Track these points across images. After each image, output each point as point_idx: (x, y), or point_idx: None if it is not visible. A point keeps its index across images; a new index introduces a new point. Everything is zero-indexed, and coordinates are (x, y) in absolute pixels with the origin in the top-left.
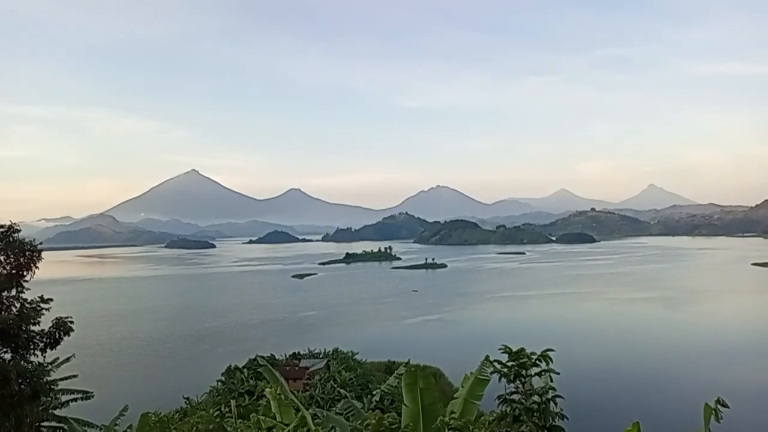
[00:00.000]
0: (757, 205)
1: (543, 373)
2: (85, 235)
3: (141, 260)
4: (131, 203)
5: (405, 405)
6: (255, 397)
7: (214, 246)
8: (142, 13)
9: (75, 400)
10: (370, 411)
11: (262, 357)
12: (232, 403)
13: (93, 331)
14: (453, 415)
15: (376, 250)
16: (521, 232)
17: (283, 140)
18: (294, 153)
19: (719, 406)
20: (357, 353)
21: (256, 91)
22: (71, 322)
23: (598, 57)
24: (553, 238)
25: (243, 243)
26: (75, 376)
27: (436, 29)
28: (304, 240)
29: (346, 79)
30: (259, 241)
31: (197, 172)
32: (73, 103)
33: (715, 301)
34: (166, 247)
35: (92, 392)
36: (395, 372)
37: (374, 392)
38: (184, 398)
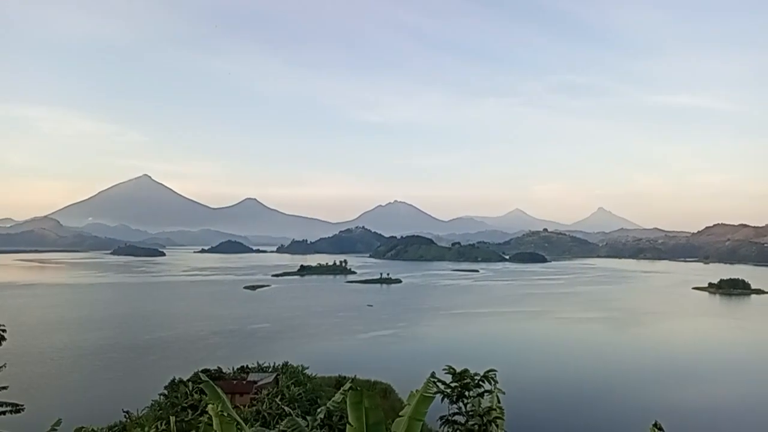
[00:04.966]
0: (698, 232)
1: (487, 393)
2: (27, 238)
3: (85, 266)
4: (78, 207)
5: (350, 424)
6: (198, 412)
7: (163, 254)
8: (100, 13)
9: (3, 413)
10: (315, 429)
11: (208, 370)
12: (172, 419)
13: (30, 339)
14: None
15: (331, 263)
16: (476, 249)
17: (241, 149)
18: (252, 162)
19: (657, 430)
20: (308, 367)
21: (215, 99)
22: (4, 330)
23: (554, 82)
24: (507, 257)
25: (194, 252)
26: (5, 387)
27: (401, 46)
28: (258, 251)
29: (307, 91)
30: (212, 250)
31: (149, 177)
32: (21, 100)
33: (657, 323)
34: (112, 253)
35: (23, 405)
36: (342, 388)
37: (319, 410)
38: (124, 412)
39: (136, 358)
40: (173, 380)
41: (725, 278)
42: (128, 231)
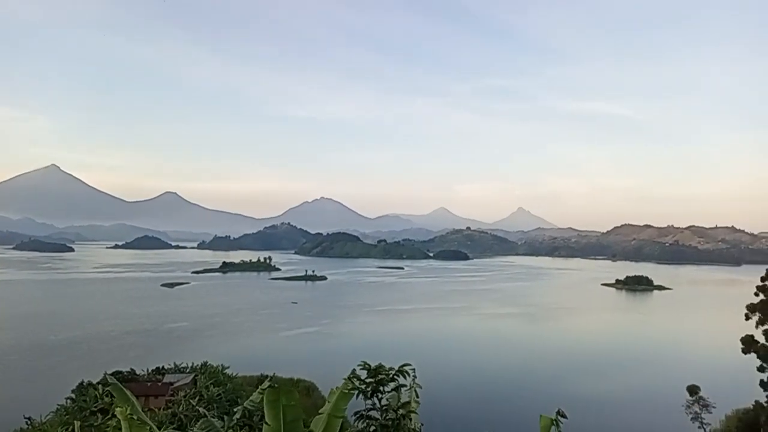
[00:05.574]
0: (607, 232)
1: (402, 387)
2: None
3: None
4: None
5: (266, 423)
6: (109, 416)
7: (72, 249)
8: None
9: None
10: (231, 429)
11: (120, 372)
12: (76, 424)
13: None
14: None
15: (255, 259)
16: (401, 247)
17: (161, 140)
18: (172, 154)
19: (559, 417)
20: (228, 367)
21: (133, 87)
22: None
23: (480, 85)
24: (431, 254)
25: (107, 247)
26: None
27: (331, 41)
28: (177, 247)
29: (234, 82)
30: (126, 246)
31: (57, 167)
32: None
33: (568, 318)
34: (15, 248)
35: None
36: (260, 387)
37: (236, 409)
38: (25, 418)
39: (40, 361)
40: (81, 383)
41: (631, 275)
42: (33, 225)
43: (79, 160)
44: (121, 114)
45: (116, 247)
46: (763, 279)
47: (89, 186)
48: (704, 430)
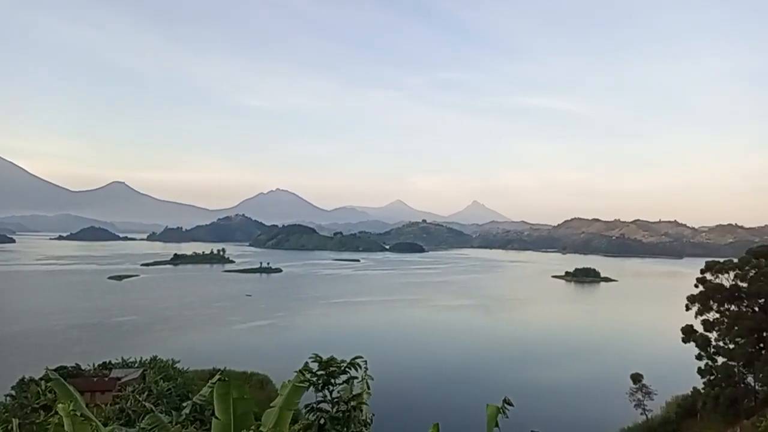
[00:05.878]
0: (558, 225)
1: (353, 379)
2: None
3: None
4: None
5: (216, 417)
6: (53, 412)
7: (13, 241)
8: None
9: None
10: (179, 425)
11: (64, 367)
12: (14, 421)
13: None
14: (261, 427)
15: (208, 251)
16: (357, 239)
17: (109, 128)
18: (121, 142)
19: (506, 405)
20: (178, 361)
21: (78, 71)
22: None
23: (437, 78)
24: (387, 247)
25: (51, 239)
26: None
27: (288, 30)
28: (126, 238)
29: (187, 69)
30: (72, 237)
31: None
32: None
33: (520, 309)
34: None
35: None
36: (210, 381)
37: (185, 404)
38: None
39: None
40: (22, 379)
41: (579, 267)
42: None
43: (20, 147)
44: (67, 100)
45: (60, 238)
46: (702, 271)
47: (31, 174)
48: (646, 416)
